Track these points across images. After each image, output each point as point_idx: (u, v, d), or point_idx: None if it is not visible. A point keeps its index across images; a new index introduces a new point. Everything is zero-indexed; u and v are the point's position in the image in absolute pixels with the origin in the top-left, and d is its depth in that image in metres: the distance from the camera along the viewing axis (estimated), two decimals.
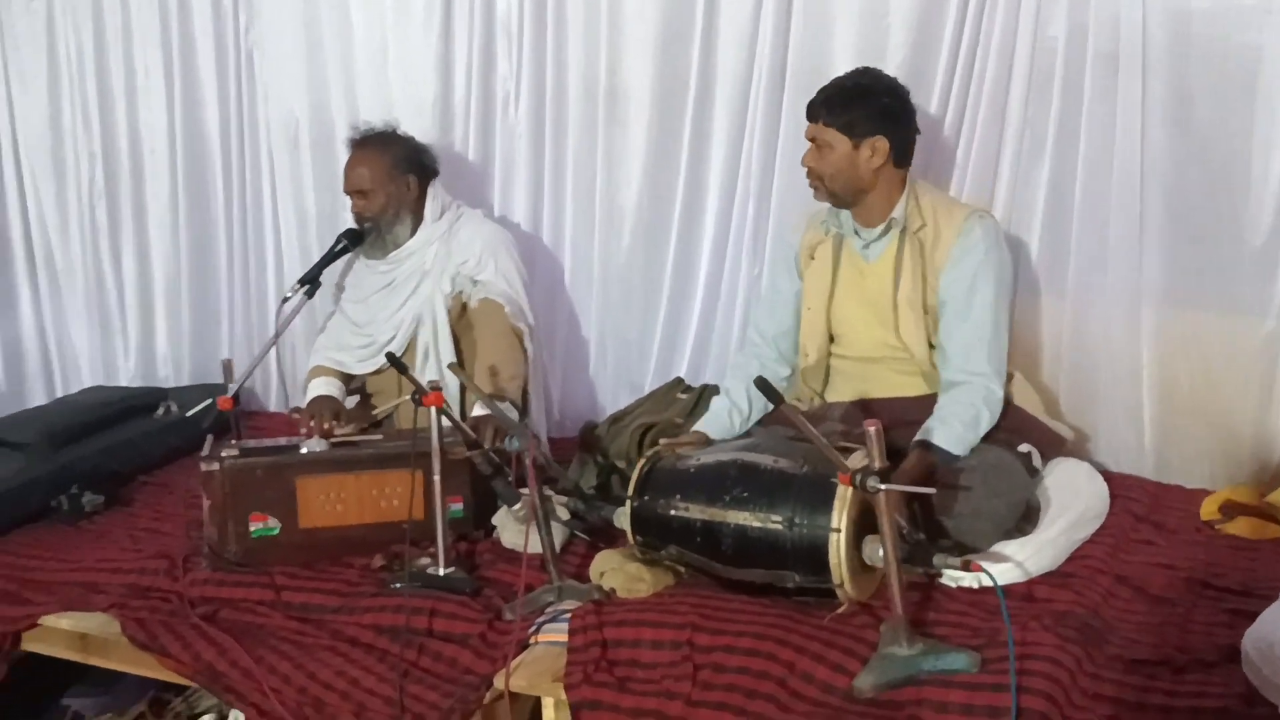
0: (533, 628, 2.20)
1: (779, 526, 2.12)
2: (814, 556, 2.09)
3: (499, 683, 2.07)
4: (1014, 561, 2.26)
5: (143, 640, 2.34)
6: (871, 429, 1.91)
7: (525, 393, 2.91)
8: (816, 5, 2.89)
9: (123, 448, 3.14)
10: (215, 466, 2.48)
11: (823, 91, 2.52)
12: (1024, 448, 2.51)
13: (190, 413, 2.85)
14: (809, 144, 2.53)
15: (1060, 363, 2.87)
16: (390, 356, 2.51)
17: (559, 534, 2.48)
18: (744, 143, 3.06)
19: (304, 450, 2.54)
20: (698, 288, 3.21)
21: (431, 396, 2.33)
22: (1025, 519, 2.38)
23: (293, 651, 2.26)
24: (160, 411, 3.28)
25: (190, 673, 2.29)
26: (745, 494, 2.17)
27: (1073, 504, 2.47)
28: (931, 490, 2.09)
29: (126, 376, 3.89)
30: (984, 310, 2.47)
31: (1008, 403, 2.53)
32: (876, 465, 1.90)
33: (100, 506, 2.93)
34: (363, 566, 2.49)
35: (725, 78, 3.05)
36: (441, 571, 2.39)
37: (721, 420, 2.65)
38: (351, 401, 3.08)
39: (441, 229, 3.04)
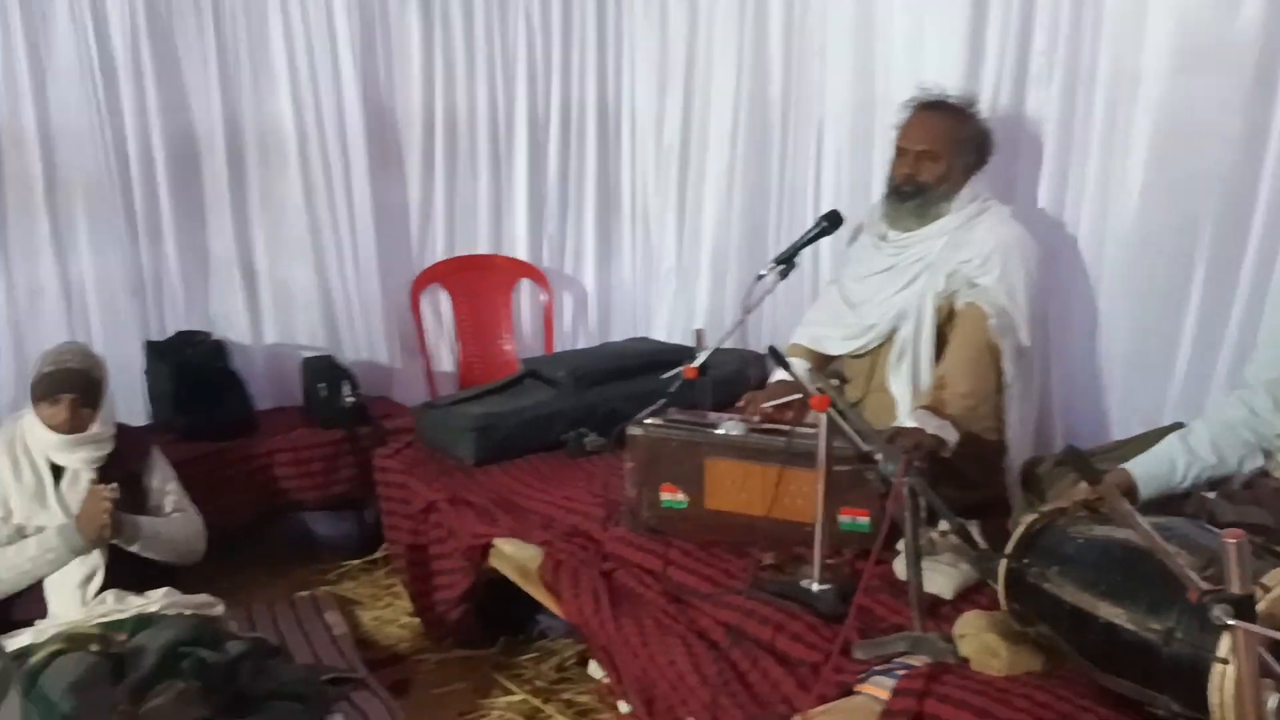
0: (861, 676, 1.97)
1: (1154, 636, 1.64)
2: (1193, 685, 1.58)
3: None
4: None
5: (548, 578, 2.53)
6: (1231, 542, 1.37)
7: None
8: None
9: (637, 398, 3.35)
10: (639, 432, 2.57)
11: None
12: None
13: (664, 376, 2.96)
14: None
15: None
16: (772, 350, 2.37)
17: (957, 579, 2.18)
18: None
19: (719, 431, 2.51)
20: (1233, 312, 2.54)
21: (818, 399, 2.16)
22: None
23: (649, 626, 2.29)
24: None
25: (569, 616, 2.44)
26: (1123, 585, 1.71)
27: None
28: None
29: (664, 330, 4.16)
30: None
31: None
32: (1235, 588, 1.37)
33: (601, 448, 3.18)
34: (753, 560, 2.42)
35: None
36: (815, 587, 2.23)
37: (1160, 464, 2.10)
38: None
39: (957, 222, 2.78)
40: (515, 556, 2.72)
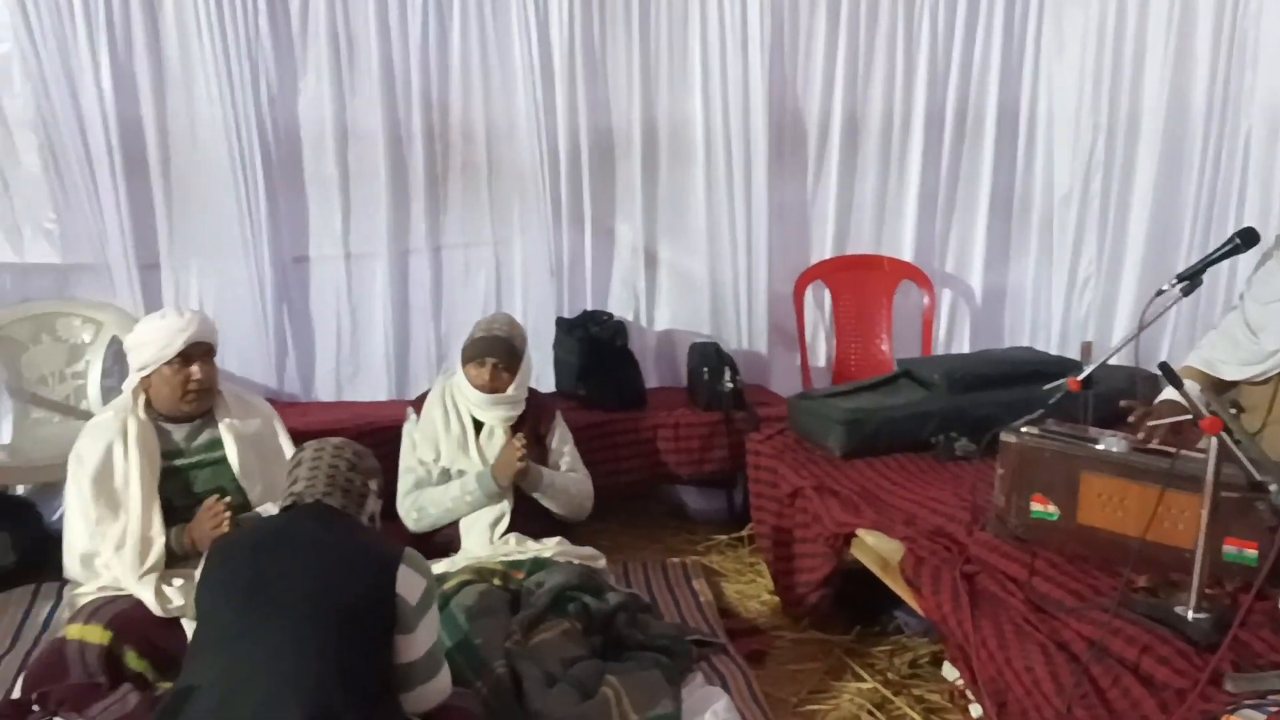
0: (1230, 707, 1.90)
1: None
2: None
3: None
4: None
5: (909, 573, 2.60)
6: None
7: None
8: None
9: (1013, 406, 3.31)
10: (1013, 439, 2.57)
11: None
12: None
13: (1045, 387, 2.90)
14: None
15: None
16: (1164, 367, 2.27)
17: None
18: None
19: (1099, 446, 2.47)
20: None
21: (1209, 422, 2.09)
22: None
23: (1008, 631, 2.30)
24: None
25: (928, 612, 2.49)
26: None
27: None
28: None
29: (1056, 340, 4.04)
30: None
31: None
32: None
33: (971, 454, 3.19)
34: (1124, 579, 2.36)
35: None
36: (1190, 614, 2.16)
37: None
38: None
39: None
40: (877, 548, 2.81)
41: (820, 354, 4.61)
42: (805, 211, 4.49)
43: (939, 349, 4.55)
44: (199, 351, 2.98)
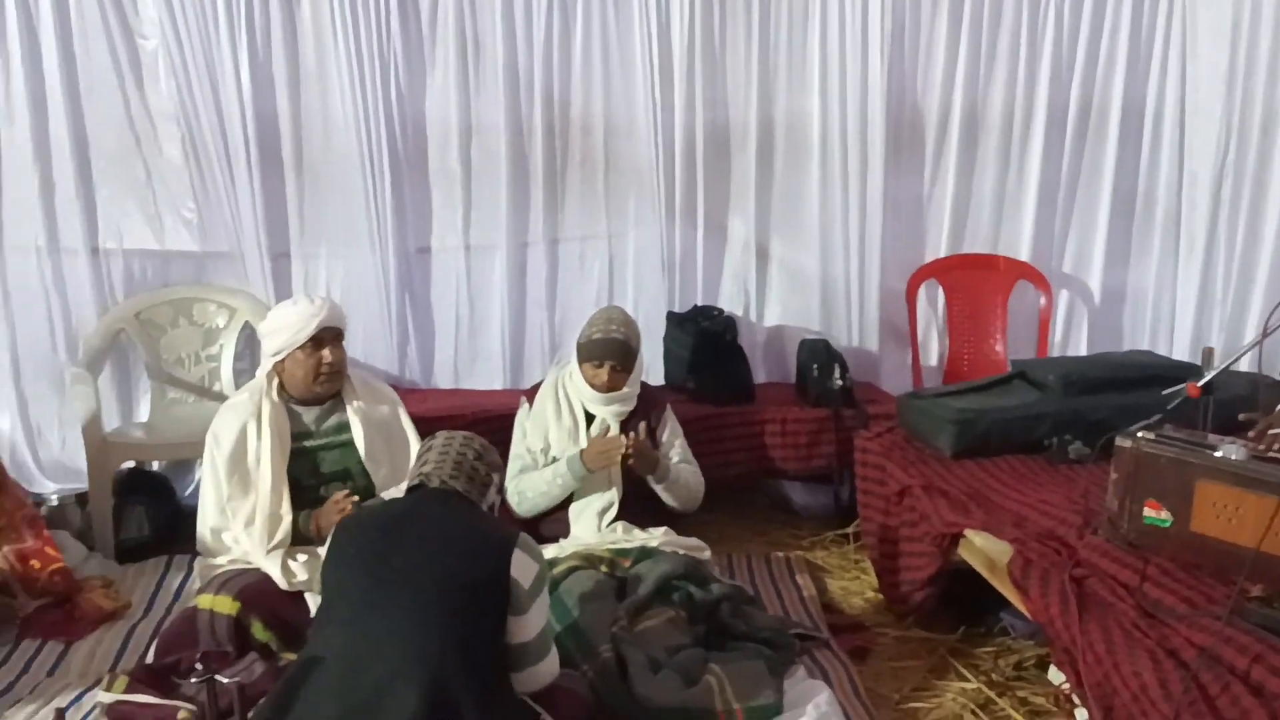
0: None
1: None
2: None
3: None
4: None
5: (1017, 575, 2.60)
6: None
7: None
8: None
9: (1130, 410, 3.25)
10: (1128, 444, 2.54)
11: None
12: None
13: (1164, 392, 2.85)
14: None
15: None
16: None
17: None
18: None
19: (1218, 453, 2.42)
20: None
21: None
22: None
23: (1117, 636, 2.29)
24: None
25: (1035, 614, 2.49)
26: None
27: None
28: None
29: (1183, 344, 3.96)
30: None
31: None
32: None
33: (1085, 457, 3.15)
34: (1238, 589, 2.32)
35: None
36: None
37: None
38: None
39: None
40: (985, 549, 2.80)
41: (932, 353, 4.58)
42: (921, 208, 4.47)
43: (1055, 351, 4.48)
44: (330, 336, 3.13)
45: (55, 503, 3.95)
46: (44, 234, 4.03)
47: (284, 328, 3.12)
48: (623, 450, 3.23)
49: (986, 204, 4.46)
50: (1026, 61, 4.32)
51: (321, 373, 3.13)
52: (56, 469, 4.12)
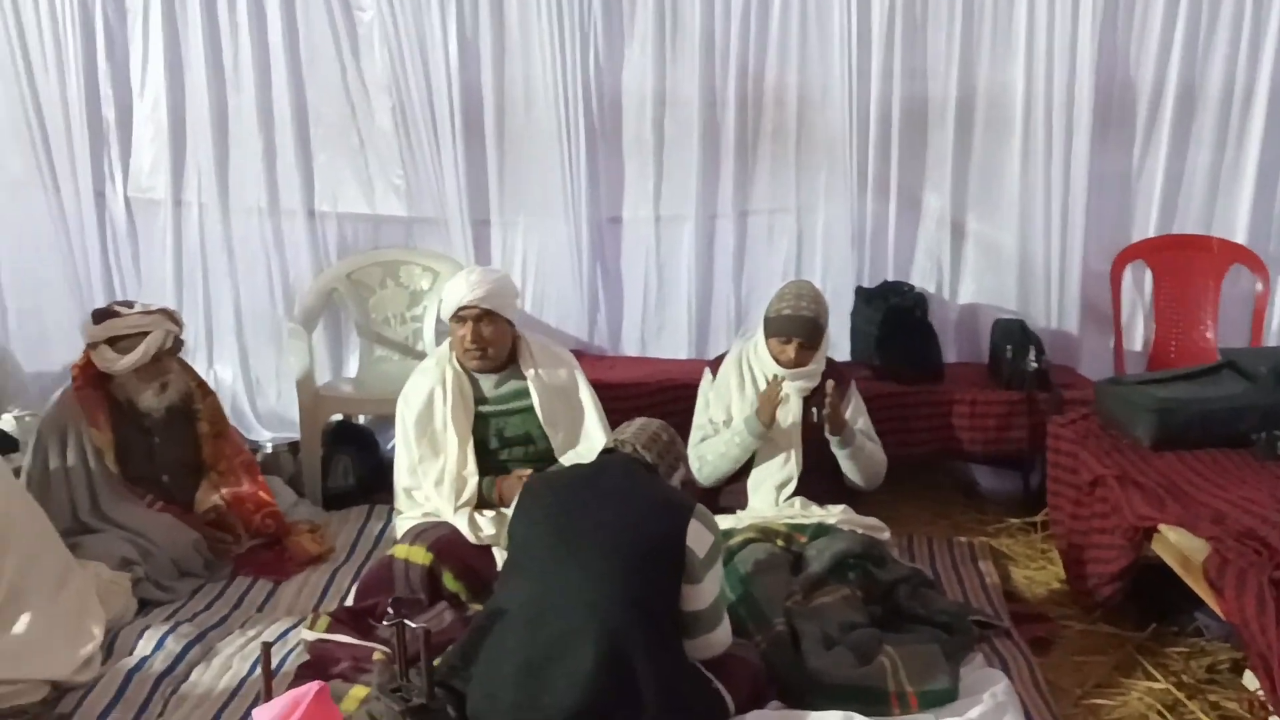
0: None
1: None
2: None
3: None
4: None
5: (1212, 573, 2.50)
6: None
7: None
8: None
9: None
10: None
11: None
12: None
13: None
14: None
15: None
16: None
17: None
18: None
19: None
20: None
21: None
22: None
23: None
24: None
25: (1229, 615, 2.40)
26: None
27: None
28: None
29: None
30: None
31: None
32: None
33: None
34: None
35: None
36: None
37: None
38: None
39: None
40: (1179, 545, 2.69)
41: (1136, 338, 4.37)
42: (1129, 186, 4.25)
43: (1270, 341, 4.21)
44: (471, 315, 3.23)
45: (269, 450, 4.24)
46: (266, 196, 4.32)
47: (445, 300, 3.28)
48: (781, 392, 3.27)
49: (1201, 182, 4.21)
50: (1250, 32, 4.04)
51: (465, 348, 3.25)
52: (272, 418, 4.43)
